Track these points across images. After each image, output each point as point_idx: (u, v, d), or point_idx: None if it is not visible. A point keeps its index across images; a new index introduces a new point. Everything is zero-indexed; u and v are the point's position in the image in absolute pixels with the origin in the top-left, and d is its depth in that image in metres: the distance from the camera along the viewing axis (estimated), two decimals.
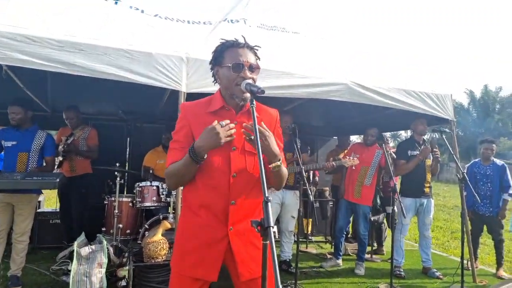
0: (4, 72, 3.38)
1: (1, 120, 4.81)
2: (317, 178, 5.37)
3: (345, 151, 5.11)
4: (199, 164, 1.50)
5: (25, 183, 2.98)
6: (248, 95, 1.50)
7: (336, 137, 6.22)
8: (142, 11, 3.52)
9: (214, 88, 1.70)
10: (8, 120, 3.54)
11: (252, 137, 1.41)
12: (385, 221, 5.01)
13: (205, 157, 1.48)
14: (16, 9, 2.76)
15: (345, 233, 4.50)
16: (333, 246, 4.77)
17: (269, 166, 1.51)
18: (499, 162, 4.51)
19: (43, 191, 4.05)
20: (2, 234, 3.25)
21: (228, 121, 1.45)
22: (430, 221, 4.14)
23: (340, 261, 4.41)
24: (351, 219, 4.79)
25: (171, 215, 3.65)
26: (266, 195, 1.19)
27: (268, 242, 1.14)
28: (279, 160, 1.54)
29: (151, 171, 4.31)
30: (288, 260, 4.16)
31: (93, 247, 3.07)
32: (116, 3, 3.49)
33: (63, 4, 3.08)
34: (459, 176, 3.44)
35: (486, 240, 5.85)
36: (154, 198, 3.86)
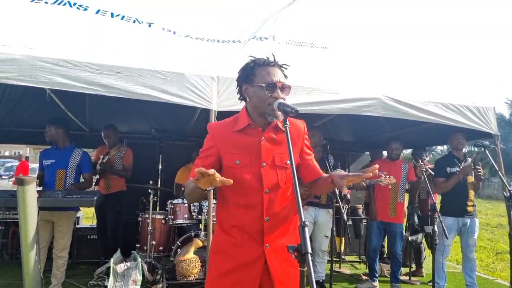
0: (48, 95, 3.59)
1: (45, 140, 5.09)
2: (348, 196, 5.23)
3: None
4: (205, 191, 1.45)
5: (65, 201, 3.11)
6: (279, 113, 1.49)
7: (368, 153, 6.05)
8: (174, 33, 3.63)
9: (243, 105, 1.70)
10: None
11: None
12: (423, 241, 4.75)
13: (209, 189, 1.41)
14: (56, 35, 2.91)
15: (379, 253, 4.32)
16: (367, 267, 4.58)
17: None
18: None
19: (80, 208, 4.21)
20: (43, 250, 3.36)
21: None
22: (475, 242, 3.85)
23: (376, 283, 4.20)
24: (385, 238, 4.62)
25: (202, 232, 3.66)
26: (303, 219, 1.15)
27: (305, 268, 1.10)
28: None
29: (182, 189, 4.37)
30: (321, 281, 4.02)
31: (128, 264, 3.12)
32: (149, 25, 3.63)
33: (100, 29, 3.23)
34: (505, 194, 3.22)
35: None
36: (186, 216, 3.89)
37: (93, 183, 4.16)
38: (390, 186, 3.95)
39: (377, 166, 1.42)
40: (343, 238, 5.31)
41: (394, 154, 4.18)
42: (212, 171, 1.26)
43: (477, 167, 3.72)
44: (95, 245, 4.60)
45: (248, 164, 1.55)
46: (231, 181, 1.32)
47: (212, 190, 2.89)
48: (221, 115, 2.79)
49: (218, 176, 1.28)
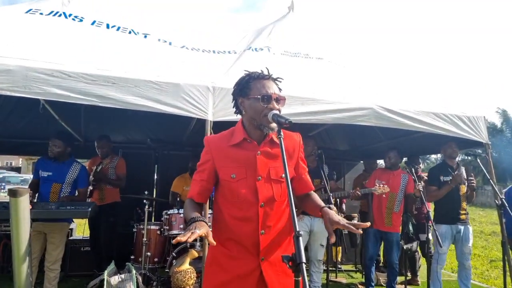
0: (42, 106, 3.57)
1: (38, 151, 5.07)
2: (344, 205, 5.24)
3: None
4: None
5: (59, 213, 3.07)
6: (274, 125, 1.51)
7: (362, 162, 6.09)
8: (170, 43, 3.67)
9: (239, 117, 1.71)
10: (43, 150, 3.72)
11: None
12: (418, 249, 4.76)
13: None
14: (51, 46, 2.91)
15: (375, 262, 4.32)
16: (364, 276, 4.58)
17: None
18: None
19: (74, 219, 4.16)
20: (34, 262, 3.31)
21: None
22: (470, 250, 3.85)
23: None
24: (381, 247, 4.62)
25: (198, 243, 3.63)
26: (297, 229, 1.16)
27: (300, 278, 1.11)
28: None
29: (178, 198, 4.35)
30: None
31: (122, 276, 3.09)
32: (145, 36, 3.65)
33: (95, 40, 3.25)
34: (497, 202, 3.26)
35: None
36: (182, 226, 3.86)
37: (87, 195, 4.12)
38: (384, 195, 3.98)
39: (368, 224, 1.46)
40: (339, 248, 5.30)
41: (388, 163, 4.20)
42: (194, 235, 1.29)
43: (469, 178, 3.77)
44: (88, 257, 4.53)
45: (243, 178, 1.56)
46: (214, 243, 1.35)
47: (208, 202, 2.89)
48: (217, 125, 2.81)
49: (202, 234, 1.33)
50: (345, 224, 1.42)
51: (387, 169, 4.27)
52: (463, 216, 3.83)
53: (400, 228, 4.31)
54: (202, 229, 1.33)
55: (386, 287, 4.19)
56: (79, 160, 3.79)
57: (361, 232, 1.42)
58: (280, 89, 1.64)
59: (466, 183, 3.82)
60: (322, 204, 1.63)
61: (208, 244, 1.38)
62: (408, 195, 4.13)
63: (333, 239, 1.43)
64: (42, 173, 3.52)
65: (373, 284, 4.24)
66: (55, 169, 3.52)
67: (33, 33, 3.06)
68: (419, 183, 3.84)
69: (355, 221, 5.49)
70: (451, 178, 3.80)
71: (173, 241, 1.34)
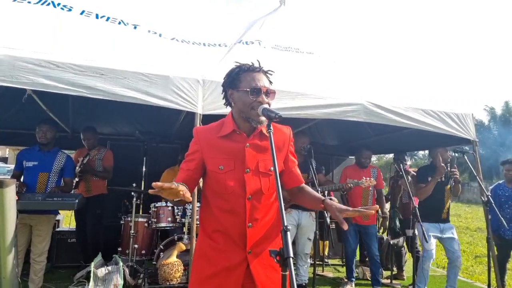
0: (27, 96, 3.50)
1: (25, 141, 4.98)
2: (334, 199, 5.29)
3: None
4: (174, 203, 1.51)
5: (46, 204, 3.04)
6: (263, 118, 1.51)
7: (352, 157, 6.14)
8: (160, 35, 3.62)
9: (229, 110, 1.70)
10: (31, 140, 3.66)
11: None
12: (405, 244, 4.85)
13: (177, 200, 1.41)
14: (39, 36, 2.85)
15: (362, 256, 4.41)
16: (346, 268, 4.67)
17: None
18: None
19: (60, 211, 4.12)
20: (20, 254, 3.27)
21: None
22: (459, 245, 3.89)
23: (353, 283, 4.32)
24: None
25: (185, 236, 3.64)
26: (285, 223, 1.17)
27: (287, 273, 1.12)
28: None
29: None
30: (304, 284, 4.05)
31: (109, 268, 3.08)
32: (135, 27, 3.60)
33: (84, 30, 3.19)
34: (483, 199, 3.32)
35: None
36: (169, 219, 3.86)
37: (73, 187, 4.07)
38: (369, 188, 4.10)
39: (377, 206, 1.52)
40: (326, 242, 5.36)
41: (365, 163, 4.33)
42: (173, 186, 1.28)
43: (452, 169, 3.82)
44: (75, 249, 4.49)
45: (231, 170, 1.56)
46: (190, 199, 1.37)
47: (196, 194, 2.88)
48: (207, 118, 2.79)
49: (181, 190, 1.31)
50: (355, 209, 1.45)
51: (357, 167, 4.37)
52: (444, 215, 3.91)
53: (387, 222, 4.39)
54: (181, 187, 1.32)
55: (371, 281, 4.25)
56: (66, 152, 3.74)
57: (374, 213, 1.45)
58: (270, 82, 1.63)
59: (450, 176, 3.87)
60: (321, 197, 1.63)
61: (196, 237, 1.37)
62: (379, 191, 4.35)
63: (345, 226, 1.41)
64: (26, 164, 3.47)
65: (354, 276, 4.36)
66: (40, 158, 3.47)
67: (21, 22, 2.99)
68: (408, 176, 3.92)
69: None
70: (439, 180, 3.82)
71: (150, 191, 1.27)
